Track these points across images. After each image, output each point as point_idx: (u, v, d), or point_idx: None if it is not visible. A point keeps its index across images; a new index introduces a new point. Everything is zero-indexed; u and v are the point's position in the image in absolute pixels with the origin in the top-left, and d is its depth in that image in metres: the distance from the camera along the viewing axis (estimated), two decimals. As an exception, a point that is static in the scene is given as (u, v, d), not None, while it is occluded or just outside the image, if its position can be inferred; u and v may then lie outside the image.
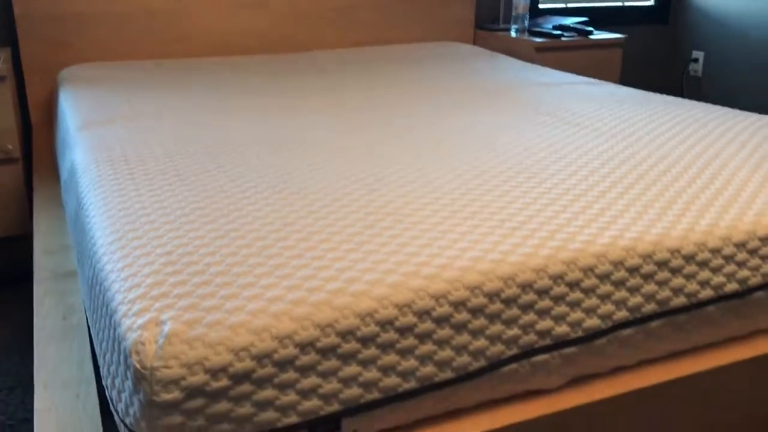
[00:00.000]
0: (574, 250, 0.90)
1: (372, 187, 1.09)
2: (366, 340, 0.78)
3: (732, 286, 0.97)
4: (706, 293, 0.96)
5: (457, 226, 0.95)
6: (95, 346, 0.93)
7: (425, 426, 0.84)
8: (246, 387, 0.73)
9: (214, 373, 0.72)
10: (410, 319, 0.80)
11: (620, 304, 0.91)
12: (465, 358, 0.83)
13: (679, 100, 1.75)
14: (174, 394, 0.71)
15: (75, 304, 1.18)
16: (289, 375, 0.75)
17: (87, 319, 1.05)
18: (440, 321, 0.81)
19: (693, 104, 1.69)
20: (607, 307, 0.90)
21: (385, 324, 0.79)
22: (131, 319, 0.76)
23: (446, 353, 0.82)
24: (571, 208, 1.01)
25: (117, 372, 0.78)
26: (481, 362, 0.84)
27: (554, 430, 0.88)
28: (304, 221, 0.96)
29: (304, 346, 0.75)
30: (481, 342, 0.84)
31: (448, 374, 0.83)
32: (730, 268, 0.97)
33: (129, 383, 0.74)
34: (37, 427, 0.87)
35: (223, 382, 0.72)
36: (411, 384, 0.81)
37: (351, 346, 0.77)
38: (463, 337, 0.83)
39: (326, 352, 0.76)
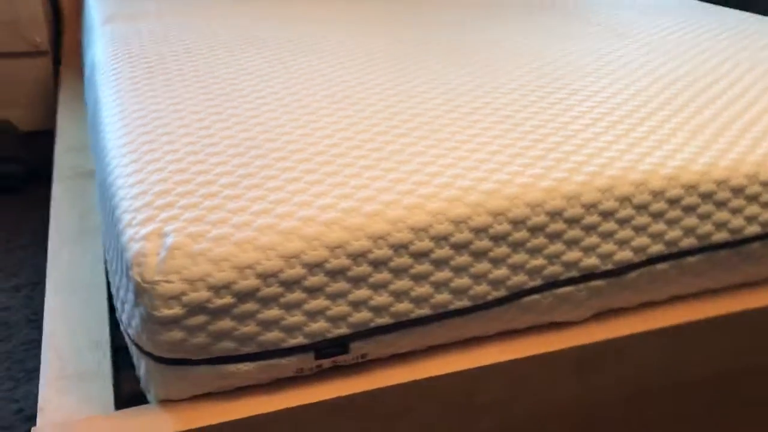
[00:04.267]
0: (612, 177, 0.83)
1: (399, 98, 1.03)
2: (378, 264, 0.74)
3: (781, 223, 0.90)
4: (752, 229, 0.89)
5: (485, 145, 0.88)
6: (105, 252, 0.91)
7: (440, 352, 0.81)
8: (250, 306, 0.70)
9: (217, 290, 0.69)
10: (426, 244, 0.75)
11: (656, 237, 0.85)
12: (484, 287, 0.79)
13: (751, 16, 1.61)
14: (175, 310, 0.68)
15: (93, 205, 1.16)
16: (296, 295, 0.72)
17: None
18: (459, 247, 0.76)
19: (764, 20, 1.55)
20: (642, 240, 0.84)
21: (399, 248, 0.74)
22: (134, 229, 0.73)
23: (463, 281, 0.78)
24: (612, 131, 0.94)
25: (121, 282, 0.75)
26: (501, 292, 0.80)
27: (578, 363, 0.84)
28: (323, 132, 0.90)
29: (312, 267, 0.71)
30: (502, 271, 0.79)
31: (464, 302, 0.78)
32: (781, 203, 0.89)
33: (131, 295, 0.71)
34: (45, 326, 0.86)
35: (227, 299, 0.69)
36: (424, 310, 0.77)
37: (362, 269, 0.73)
38: (483, 265, 0.78)
39: (335, 273, 0.72)
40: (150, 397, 0.75)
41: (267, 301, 0.71)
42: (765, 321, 0.92)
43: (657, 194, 0.84)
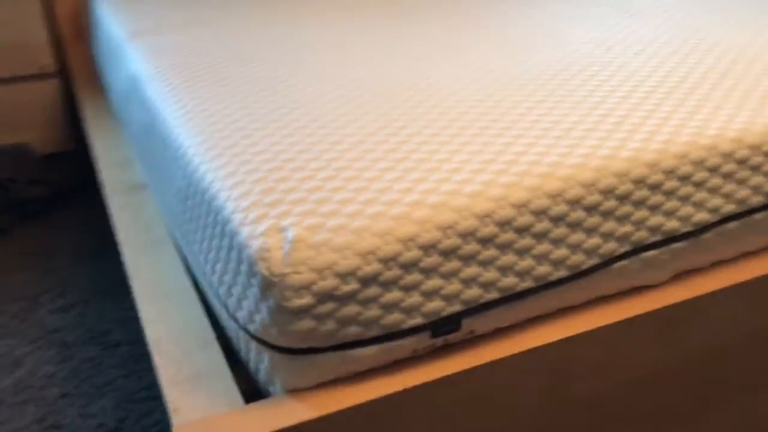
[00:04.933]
0: (684, 144, 0.87)
1: (475, 75, 1.06)
2: (485, 241, 0.77)
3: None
4: (810, 184, 0.94)
5: (557, 124, 0.92)
6: (192, 258, 0.92)
7: (537, 323, 0.85)
8: (374, 290, 0.73)
9: (344, 277, 0.71)
10: (527, 218, 0.78)
11: (728, 197, 0.89)
12: (579, 257, 0.82)
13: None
14: (306, 299, 0.70)
15: (150, 218, 1.17)
16: (414, 277, 0.75)
17: (173, 233, 1.04)
18: (556, 220, 0.80)
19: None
20: (716, 201, 0.89)
21: (504, 224, 0.77)
22: (250, 227, 0.75)
23: (561, 252, 0.81)
24: (668, 102, 0.98)
25: (235, 281, 0.77)
26: (594, 260, 0.84)
27: (661, 325, 0.88)
28: (398, 124, 0.93)
29: (427, 248, 0.74)
30: (594, 240, 0.83)
31: (562, 272, 0.82)
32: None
33: (255, 291, 0.73)
34: (148, 334, 0.87)
35: (352, 285, 0.72)
36: (527, 283, 0.80)
37: (471, 247, 0.76)
38: (578, 235, 0.82)
39: (448, 253, 0.75)
40: (274, 389, 0.77)
41: (388, 285, 0.73)
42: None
43: (727, 156, 0.88)
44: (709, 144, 0.88)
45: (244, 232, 0.75)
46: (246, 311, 0.77)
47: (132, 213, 1.17)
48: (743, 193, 0.90)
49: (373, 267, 0.72)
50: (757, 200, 0.91)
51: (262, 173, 0.83)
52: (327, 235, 0.72)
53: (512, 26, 1.38)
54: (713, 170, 0.88)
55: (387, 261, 0.73)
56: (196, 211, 0.89)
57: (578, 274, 0.83)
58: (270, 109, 1.00)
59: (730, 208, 0.90)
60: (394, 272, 0.73)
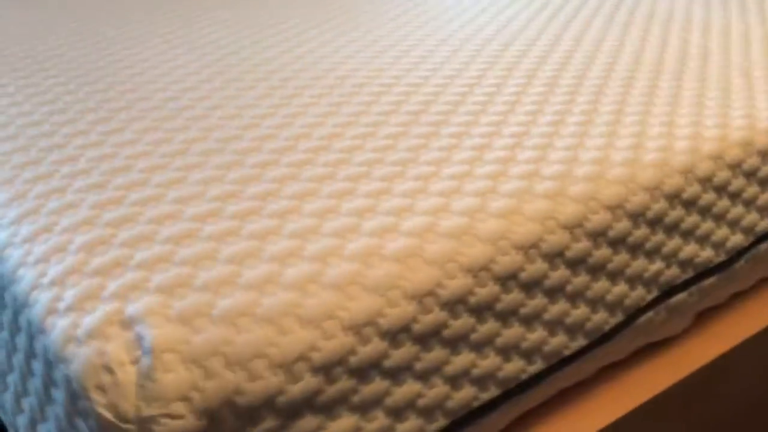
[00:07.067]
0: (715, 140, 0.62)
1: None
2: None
3: None
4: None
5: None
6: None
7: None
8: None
9: (254, 411, 0.38)
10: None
11: (763, 210, 0.65)
12: (601, 315, 0.55)
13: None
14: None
15: None
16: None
17: None
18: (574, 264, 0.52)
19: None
20: (752, 217, 0.64)
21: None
22: (69, 320, 0.40)
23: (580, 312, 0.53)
24: (683, 104, 0.72)
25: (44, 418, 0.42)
26: (617, 317, 0.56)
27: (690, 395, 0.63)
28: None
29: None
30: (620, 288, 0.55)
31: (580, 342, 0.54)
32: None
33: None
34: None
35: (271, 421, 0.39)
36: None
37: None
38: (601, 285, 0.54)
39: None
40: None
41: (333, 407, 0.41)
42: None
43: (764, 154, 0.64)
44: (743, 139, 0.63)
45: (58, 330, 0.40)
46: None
47: None
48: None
49: (306, 383, 0.40)
50: (790, 212, 0.68)
51: (82, 214, 0.47)
52: (216, 332, 0.39)
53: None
54: (750, 175, 0.63)
55: (330, 367, 0.41)
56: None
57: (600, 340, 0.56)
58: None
59: (764, 225, 0.66)
60: (343, 383, 0.41)
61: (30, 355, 0.43)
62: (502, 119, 0.63)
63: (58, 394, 0.40)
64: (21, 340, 0.44)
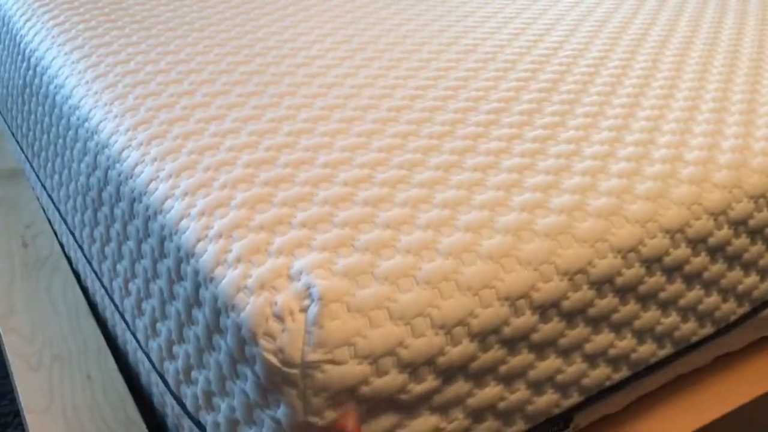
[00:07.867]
0: None
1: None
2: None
3: None
4: None
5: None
6: (105, 293, 0.57)
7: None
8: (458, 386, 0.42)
9: (415, 368, 0.40)
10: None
11: None
12: (690, 325, 0.55)
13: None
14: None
15: (30, 217, 0.80)
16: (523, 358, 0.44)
17: (72, 247, 0.68)
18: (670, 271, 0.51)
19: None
20: None
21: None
22: (233, 267, 0.41)
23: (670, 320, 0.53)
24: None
25: (200, 359, 0.44)
26: (708, 329, 0.56)
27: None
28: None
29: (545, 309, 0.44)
30: (712, 299, 0.55)
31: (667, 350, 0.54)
32: None
33: (246, 387, 0.40)
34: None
35: (429, 383, 0.40)
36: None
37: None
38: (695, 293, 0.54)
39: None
40: None
41: (482, 375, 0.42)
42: None
43: None
44: None
45: (228, 279, 0.42)
46: (223, 416, 0.44)
47: (3, 213, 0.79)
48: None
49: (465, 347, 0.41)
50: None
51: (238, 172, 0.49)
52: (379, 288, 0.40)
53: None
54: None
55: (486, 334, 0.42)
56: (117, 213, 0.54)
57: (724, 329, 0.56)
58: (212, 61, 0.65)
59: None
60: (494, 353, 0.43)
61: (193, 302, 0.45)
62: (634, 101, 0.63)
63: (223, 342, 0.42)
64: (182, 289, 0.46)
